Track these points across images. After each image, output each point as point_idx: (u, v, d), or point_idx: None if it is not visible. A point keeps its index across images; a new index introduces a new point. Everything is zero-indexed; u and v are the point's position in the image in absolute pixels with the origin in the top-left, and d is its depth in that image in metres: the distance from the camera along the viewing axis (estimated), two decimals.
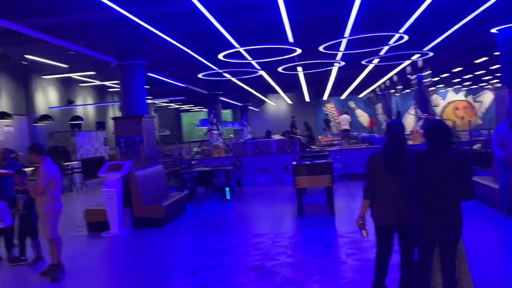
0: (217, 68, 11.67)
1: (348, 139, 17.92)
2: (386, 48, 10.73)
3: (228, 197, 10.39)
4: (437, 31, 10.93)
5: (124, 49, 9.57)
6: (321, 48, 9.41)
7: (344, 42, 10.00)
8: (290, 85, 22.78)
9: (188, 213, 9.33)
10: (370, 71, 17.68)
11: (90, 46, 9.75)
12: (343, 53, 11.08)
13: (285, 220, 8.00)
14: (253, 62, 11.19)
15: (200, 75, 12.39)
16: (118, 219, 7.81)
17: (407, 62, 13.93)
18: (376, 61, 12.94)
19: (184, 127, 36.38)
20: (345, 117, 19.57)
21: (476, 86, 29.92)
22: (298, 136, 15.24)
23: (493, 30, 8.83)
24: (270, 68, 13.91)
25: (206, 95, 17.89)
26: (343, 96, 32.01)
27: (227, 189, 10.43)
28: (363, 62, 11.98)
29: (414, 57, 12.88)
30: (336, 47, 10.08)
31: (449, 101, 31.27)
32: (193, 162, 12.03)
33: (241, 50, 9.33)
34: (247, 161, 12.72)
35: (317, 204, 9.11)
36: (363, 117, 32.75)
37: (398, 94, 19.94)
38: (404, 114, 33.02)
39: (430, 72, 12.99)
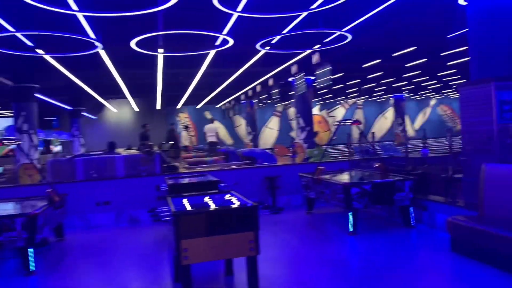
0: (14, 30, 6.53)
1: (216, 154, 14.21)
2: (300, 18, 7.32)
3: (32, 266, 5.41)
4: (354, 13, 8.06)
5: None
6: None
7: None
8: (141, 86, 18.02)
9: None
10: (240, 75, 14.41)
11: None
12: (239, 15, 7.18)
13: None
14: (81, 17, 6.45)
15: None
16: None
17: (303, 54, 10.92)
18: (267, 48, 9.54)
19: None
20: (212, 127, 15.75)
21: (333, 100, 29.72)
22: (157, 150, 10.77)
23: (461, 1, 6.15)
24: (115, 44, 9.20)
25: (13, 89, 11.98)
26: (200, 106, 28.45)
27: (30, 251, 5.44)
28: (257, 46, 8.41)
29: (316, 47, 9.93)
30: (234, 4, 6.24)
31: None
32: None
33: None
34: (74, 190, 7.77)
35: (212, 277, 4.93)
36: (220, 129, 29.66)
37: (272, 101, 17.05)
38: (262, 128, 31.16)
39: (330, 68, 10.16)
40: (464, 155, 6.34)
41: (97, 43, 7.57)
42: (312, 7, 6.59)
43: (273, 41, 8.92)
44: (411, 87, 23.57)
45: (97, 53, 9.19)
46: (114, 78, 14.02)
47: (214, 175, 7.83)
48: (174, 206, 4.25)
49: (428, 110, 35.16)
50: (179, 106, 27.26)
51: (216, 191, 5.50)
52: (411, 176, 6.96)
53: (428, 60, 14.23)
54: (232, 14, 6.97)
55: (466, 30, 6.24)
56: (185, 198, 4.93)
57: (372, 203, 6.63)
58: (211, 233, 3.71)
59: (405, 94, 27.52)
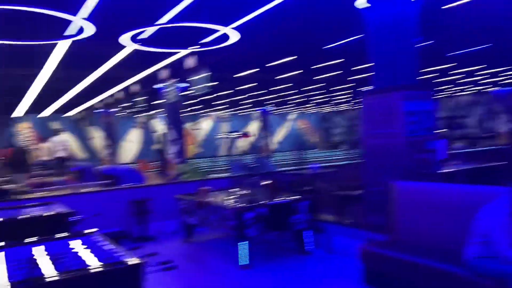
0: None
1: (66, 173, 11.77)
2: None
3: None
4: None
5: None
6: None
7: None
8: None
9: None
10: (98, 78, 12.34)
11: None
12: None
13: None
14: None
15: None
16: None
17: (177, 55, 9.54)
18: (133, 45, 7.94)
19: None
20: (60, 139, 13.14)
21: (199, 112, 28.65)
22: None
23: (361, 3, 5.59)
24: None
25: None
26: (44, 114, 24.49)
27: None
28: (122, 39, 6.78)
29: (190, 49, 8.69)
30: None
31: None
32: None
33: None
34: None
35: None
36: (71, 142, 26.04)
37: (134, 110, 15.18)
38: (120, 140, 28.34)
39: (209, 74, 9.04)
40: (365, 170, 5.80)
41: None
42: None
43: (142, 36, 7.39)
44: (277, 100, 23.94)
45: None
46: None
47: (64, 201, 5.96)
48: None
49: (288, 124, 36.71)
50: (19, 113, 23.05)
51: (66, 234, 3.76)
52: (306, 195, 6.18)
53: (301, 73, 14.21)
54: None
55: (355, 38, 5.74)
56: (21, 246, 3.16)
57: (268, 229, 5.63)
58: None
59: (269, 108, 28.04)
